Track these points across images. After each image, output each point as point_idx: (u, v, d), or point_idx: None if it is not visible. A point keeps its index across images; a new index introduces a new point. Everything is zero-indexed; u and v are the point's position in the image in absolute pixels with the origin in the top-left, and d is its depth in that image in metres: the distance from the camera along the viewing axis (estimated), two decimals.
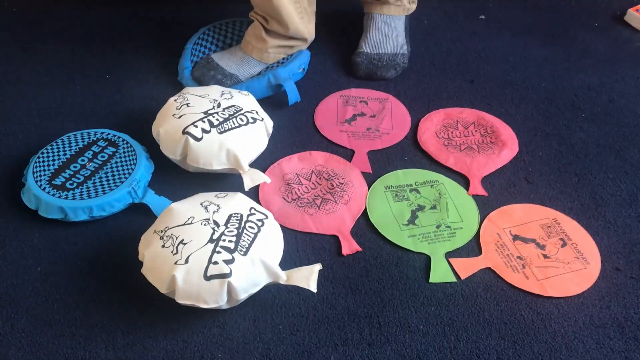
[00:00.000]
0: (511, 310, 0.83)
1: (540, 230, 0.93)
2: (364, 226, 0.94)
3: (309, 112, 1.15)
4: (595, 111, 1.16)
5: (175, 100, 0.99)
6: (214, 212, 0.81)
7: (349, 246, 0.91)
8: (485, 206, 0.97)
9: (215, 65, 1.14)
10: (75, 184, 0.93)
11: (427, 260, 0.89)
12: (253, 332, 0.80)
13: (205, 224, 0.79)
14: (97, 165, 0.96)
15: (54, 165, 0.96)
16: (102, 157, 0.98)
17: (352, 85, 1.21)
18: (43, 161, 0.97)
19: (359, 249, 0.91)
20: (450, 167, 1.03)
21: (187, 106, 0.97)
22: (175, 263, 0.75)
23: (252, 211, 0.83)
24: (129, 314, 0.82)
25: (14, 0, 1.45)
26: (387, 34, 1.24)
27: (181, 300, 0.75)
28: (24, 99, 1.17)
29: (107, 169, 0.96)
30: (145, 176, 0.96)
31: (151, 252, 0.78)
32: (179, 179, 1.00)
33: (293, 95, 1.13)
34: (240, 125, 0.96)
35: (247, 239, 0.78)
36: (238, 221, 0.80)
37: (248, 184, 0.93)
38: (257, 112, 1.00)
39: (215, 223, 0.79)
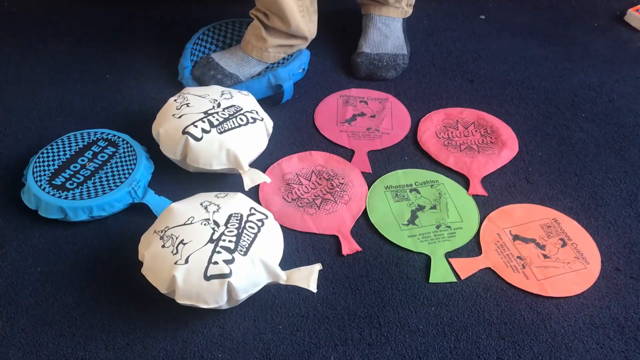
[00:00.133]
0: (511, 310, 0.83)
1: (540, 230, 0.93)
2: (364, 226, 0.94)
3: (309, 112, 1.15)
4: (595, 111, 1.16)
5: (175, 100, 0.99)
6: (214, 212, 0.81)
7: (349, 246, 0.91)
8: (485, 206, 0.97)
9: (215, 64, 1.14)
10: (75, 184, 0.93)
11: (427, 260, 0.89)
12: (253, 332, 0.80)
13: (205, 224, 0.79)
14: (97, 165, 0.96)
15: (54, 165, 0.96)
16: (102, 157, 0.98)
17: (352, 85, 1.21)
18: (43, 161, 0.97)
19: (359, 249, 0.91)
20: (450, 167, 1.03)
21: (187, 106, 0.97)
22: (175, 263, 0.75)
23: (252, 211, 0.83)
24: (129, 314, 0.82)
25: (14, 0, 1.45)
26: (387, 34, 1.24)
27: (181, 300, 0.75)
28: (24, 99, 1.17)
29: (107, 169, 0.96)
30: (145, 176, 0.96)
31: (151, 252, 0.78)
32: (179, 179, 1.00)
33: (288, 95, 1.13)
34: (240, 125, 0.96)
35: (247, 239, 0.78)
36: (238, 221, 0.80)
37: (248, 184, 0.93)
38: (257, 112, 1.00)
39: (215, 223, 0.79)
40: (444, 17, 1.42)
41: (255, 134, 0.97)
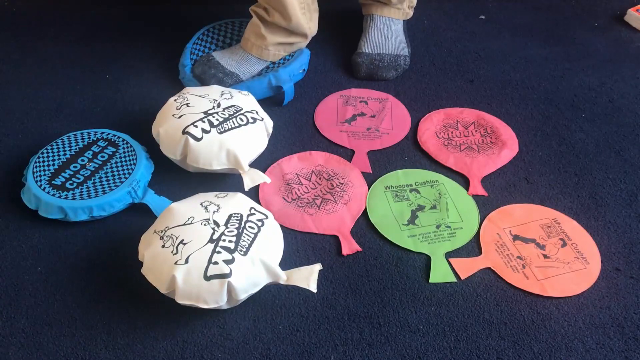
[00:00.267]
0: (511, 310, 0.83)
1: (540, 230, 0.93)
2: (364, 226, 0.94)
3: (309, 112, 1.15)
4: (595, 111, 1.16)
5: (175, 100, 0.99)
6: (214, 212, 0.81)
7: (349, 246, 0.91)
8: (485, 206, 0.97)
9: (216, 63, 1.14)
10: (75, 184, 0.93)
11: (427, 260, 0.89)
12: (253, 332, 0.80)
13: (205, 224, 0.79)
14: (97, 165, 0.96)
15: (54, 165, 0.96)
16: (102, 157, 0.98)
17: (352, 85, 1.21)
18: (43, 161, 0.97)
19: (359, 249, 0.91)
20: (450, 167, 1.03)
21: (187, 106, 0.97)
22: (175, 263, 0.75)
23: (252, 211, 0.83)
24: (129, 314, 0.82)
25: (14, 0, 1.45)
26: (388, 35, 1.24)
27: (181, 300, 0.75)
28: (24, 99, 1.17)
29: (107, 169, 0.96)
30: (145, 176, 0.96)
31: (151, 252, 0.78)
32: (179, 179, 1.00)
33: (290, 96, 1.13)
34: (240, 125, 0.96)
35: (247, 239, 0.78)
36: (238, 221, 0.80)
37: (248, 184, 0.93)
38: (257, 112, 1.00)
39: (215, 223, 0.79)
40: (444, 17, 1.42)
41: (255, 134, 0.97)
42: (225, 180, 1.01)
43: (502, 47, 1.32)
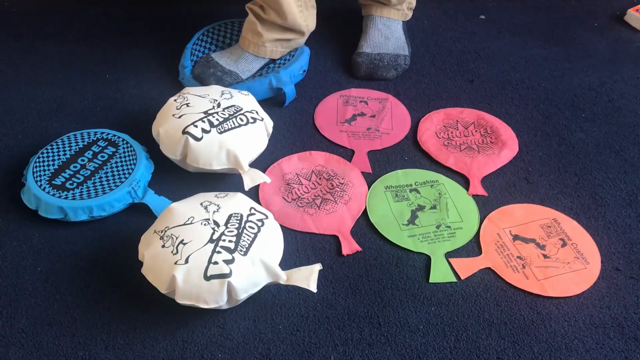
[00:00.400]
0: (511, 310, 0.83)
1: (540, 230, 0.93)
2: (364, 226, 0.94)
3: (309, 112, 1.15)
4: (595, 111, 1.16)
5: (175, 100, 0.99)
6: (214, 212, 0.81)
7: (349, 246, 0.91)
8: (485, 206, 0.97)
9: (215, 63, 1.14)
10: (75, 184, 0.93)
11: (427, 260, 0.89)
12: (253, 332, 0.80)
13: (205, 224, 0.79)
14: (97, 165, 0.96)
15: (54, 165, 0.96)
16: (102, 157, 0.98)
17: (352, 85, 1.21)
18: (43, 161, 0.97)
19: (359, 249, 0.91)
20: (450, 167, 1.03)
21: (187, 106, 0.97)
22: (175, 263, 0.75)
23: (252, 211, 0.83)
24: (129, 314, 0.82)
25: (14, 0, 1.45)
26: (387, 35, 1.24)
27: (181, 300, 0.75)
28: (24, 99, 1.17)
29: (107, 169, 0.96)
30: (145, 176, 0.96)
31: (151, 252, 0.78)
32: (179, 179, 1.00)
33: (291, 97, 1.13)
34: (240, 125, 0.96)
35: (247, 239, 0.78)
36: (238, 221, 0.80)
37: (248, 184, 0.93)
38: (257, 112, 1.00)
39: (215, 223, 0.79)
40: (444, 17, 1.42)
41: (255, 134, 0.97)
42: (225, 180, 1.01)
43: (502, 47, 1.32)
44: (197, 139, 0.92)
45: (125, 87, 1.20)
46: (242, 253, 0.77)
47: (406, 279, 0.87)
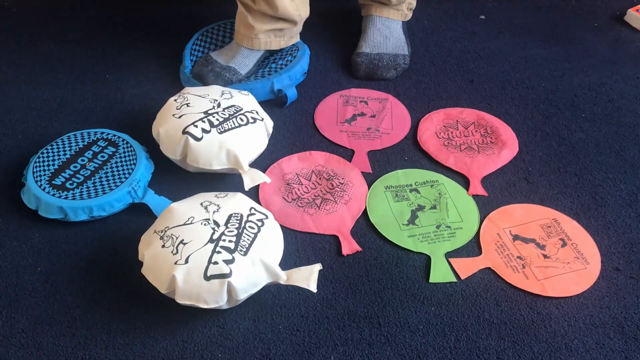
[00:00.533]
0: (511, 310, 0.83)
1: (540, 230, 0.93)
2: (364, 226, 0.94)
3: (309, 112, 1.15)
4: (595, 111, 1.16)
5: (175, 100, 0.99)
6: (214, 212, 0.81)
7: (349, 246, 0.91)
8: (485, 206, 0.97)
9: (213, 60, 1.15)
10: (75, 184, 0.93)
11: (427, 260, 0.89)
12: (253, 332, 0.80)
13: (205, 224, 0.79)
14: (97, 165, 0.96)
15: (54, 165, 0.96)
16: (102, 157, 0.98)
17: (352, 85, 1.21)
18: (43, 161, 0.97)
19: (359, 249, 0.91)
20: (450, 167, 1.03)
21: (187, 106, 0.97)
22: (175, 263, 0.75)
23: (252, 211, 0.83)
24: (129, 314, 0.82)
25: (14, 0, 1.45)
26: (387, 35, 1.24)
27: (181, 300, 0.75)
28: (24, 99, 1.17)
29: (107, 169, 0.96)
30: (145, 176, 0.96)
31: (151, 252, 0.78)
32: (179, 179, 1.00)
33: (292, 98, 1.14)
34: (240, 125, 0.96)
35: (247, 239, 0.78)
36: (238, 221, 0.80)
37: (248, 184, 0.93)
38: (257, 112, 1.00)
39: (215, 223, 0.79)
40: (444, 17, 1.42)
41: (255, 134, 0.97)
42: (225, 180, 1.01)
43: (502, 47, 1.32)
44: (197, 139, 0.92)
45: (125, 87, 1.20)
46: (242, 253, 0.77)
47: (406, 279, 0.87)
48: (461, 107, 1.16)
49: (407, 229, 0.93)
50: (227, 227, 0.79)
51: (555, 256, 0.89)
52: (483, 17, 1.42)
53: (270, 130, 1.02)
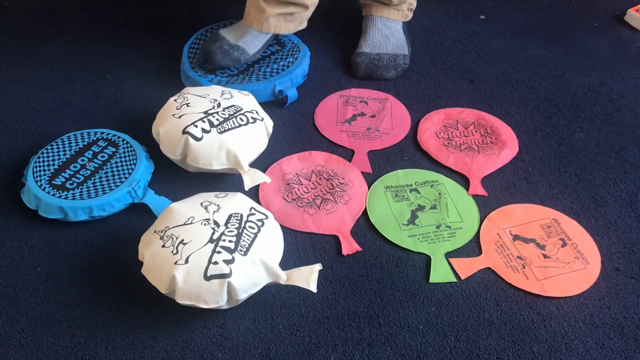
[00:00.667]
0: (511, 310, 0.83)
1: (540, 230, 0.93)
2: (364, 226, 0.94)
3: (309, 112, 1.15)
4: (595, 111, 1.16)
5: (175, 100, 0.99)
6: (214, 212, 0.81)
7: (349, 246, 0.91)
8: (485, 206, 0.97)
9: (222, 38, 1.14)
10: (75, 184, 0.93)
11: (427, 260, 0.89)
12: (253, 332, 0.80)
13: (205, 224, 0.79)
14: (97, 165, 0.96)
15: (54, 165, 0.96)
16: (102, 157, 0.98)
17: (352, 85, 1.21)
18: (43, 161, 0.97)
19: (359, 249, 0.91)
20: (450, 167, 1.03)
21: (187, 106, 0.97)
22: (175, 263, 0.75)
23: (252, 211, 0.83)
24: (129, 314, 0.82)
25: (14, 0, 1.45)
26: (388, 35, 1.24)
27: (181, 300, 0.75)
28: (24, 99, 1.17)
29: (107, 169, 0.96)
30: (145, 176, 0.96)
31: (151, 252, 0.78)
32: (179, 179, 1.00)
33: (293, 99, 1.14)
34: (240, 125, 0.96)
35: (247, 239, 0.78)
36: (238, 221, 0.80)
37: (248, 184, 0.93)
38: (257, 112, 1.00)
39: (215, 223, 0.79)
40: (444, 17, 1.42)
41: (255, 134, 0.97)
42: (225, 180, 1.01)
43: (502, 47, 1.32)
44: (197, 139, 0.92)
45: (125, 87, 1.20)
46: (242, 253, 0.77)
47: (406, 279, 0.87)
48: (461, 107, 1.16)
49: (407, 229, 0.93)
50: (227, 227, 0.79)
51: (555, 256, 0.89)
52: (483, 17, 1.42)
53: (270, 130, 1.02)
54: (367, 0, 1.26)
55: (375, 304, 0.84)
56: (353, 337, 0.80)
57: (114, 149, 0.99)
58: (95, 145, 1.00)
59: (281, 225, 0.90)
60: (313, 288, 0.79)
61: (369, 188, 1.00)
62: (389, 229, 0.93)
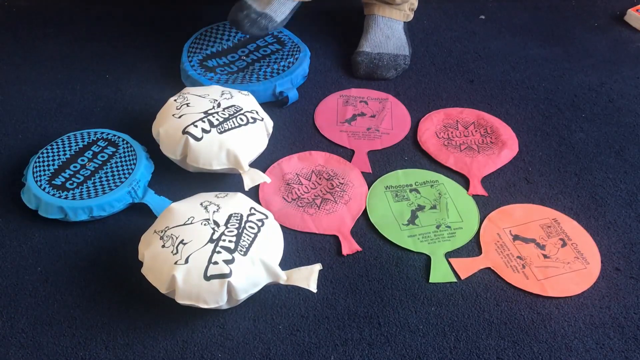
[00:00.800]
0: (511, 310, 0.83)
1: (540, 230, 0.93)
2: (364, 226, 0.94)
3: (309, 112, 1.15)
4: (595, 111, 1.16)
5: (175, 100, 0.99)
6: (214, 212, 0.81)
7: (349, 246, 0.91)
8: (485, 206, 0.97)
9: (248, 5, 1.12)
10: (75, 184, 0.93)
11: (427, 260, 0.89)
12: (253, 332, 0.80)
13: (205, 224, 0.79)
14: (97, 165, 0.96)
15: (54, 165, 0.96)
16: (102, 157, 0.98)
17: (352, 85, 1.21)
18: (43, 161, 0.97)
19: (359, 249, 0.91)
20: (450, 167, 1.03)
21: (187, 106, 0.97)
22: (175, 263, 0.75)
23: (252, 211, 0.83)
24: (129, 314, 0.82)
25: (14, 0, 1.45)
26: (388, 35, 1.24)
27: (181, 300, 0.75)
28: (24, 99, 1.17)
29: (107, 168, 0.96)
30: (145, 176, 0.96)
31: (151, 252, 0.78)
32: (179, 179, 1.00)
33: (294, 100, 1.14)
34: (240, 125, 0.96)
35: (247, 239, 0.78)
36: (238, 221, 0.80)
37: (248, 184, 0.93)
38: (257, 112, 1.00)
39: (215, 223, 0.79)
40: (444, 17, 1.42)
41: (255, 134, 0.97)
42: (225, 180, 1.01)
43: (502, 47, 1.32)
44: (197, 139, 0.92)
45: (125, 87, 1.20)
46: (242, 253, 0.77)
47: (406, 279, 0.87)
48: (461, 107, 1.16)
49: (407, 229, 0.93)
50: (227, 227, 0.79)
51: (555, 256, 0.89)
52: (483, 17, 1.42)
53: (270, 130, 1.02)
54: None
55: (375, 304, 0.84)
56: (353, 337, 0.80)
57: (114, 149, 0.99)
58: (95, 145, 1.00)
59: (281, 225, 0.90)
60: (313, 288, 0.79)
61: (369, 188, 1.00)
62: (389, 229, 0.93)
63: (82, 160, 0.97)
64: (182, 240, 0.77)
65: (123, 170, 0.96)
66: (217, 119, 0.95)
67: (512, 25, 1.39)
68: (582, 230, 0.93)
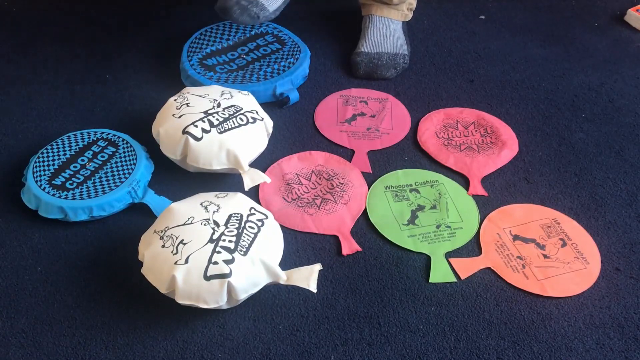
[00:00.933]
0: (511, 310, 0.83)
1: (540, 230, 0.93)
2: (364, 226, 0.94)
3: (309, 112, 1.15)
4: (595, 111, 1.16)
5: (175, 100, 0.99)
6: (214, 212, 0.81)
7: (349, 246, 0.91)
8: (485, 206, 0.97)
9: None
10: (75, 184, 0.93)
11: (427, 260, 0.89)
12: (253, 332, 0.80)
13: (205, 224, 0.79)
14: (97, 165, 0.96)
15: (54, 165, 0.96)
16: (102, 157, 0.98)
17: (352, 85, 1.21)
18: (43, 161, 0.97)
19: (359, 249, 0.91)
20: (450, 167, 1.03)
21: (187, 106, 0.97)
22: (175, 263, 0.75)
23: (252, 211, 0.83)
24: (129, 314, 0.82)
25: (14, 0, 1.45)
26: (387, 34, 1.24)
27: (181, 300, 0.75)
28: (24, 99, 1.17)
29: (107, 168, 0.96)
30: (145, 176, 0.96)
31: (151, 252, 0.78)
32: (179, 179, 1.00)
33: (294, 100, 1.14)
34: (240, 125, 0.96)
35: (247, 239, 0.78)
36: (238, 221, 0.80)
37: (248, 184, 0.93)
38: (257, 112, 1.00)
39: (215, 223, 0.79)
40: (444, 17, 1.42)
41: (255, 134, 0.97)
42: (225, 180, 1.01)
43: (502, 47, 1.32)
44: (197, 139, 0.92)
45: (125, 87, 1.20)
46: (242, 253, 0.77)
47: (406, 279, 0.87)
48: (461, 107, 1.16)
49: (407, 229, 0.93)
50: (227, 227, 0.79)
51: (555, 256, 0.89)
52: (483, 17, 1.42)
53: (270, 130, 1.02)
54: (366, 0, 1.26)
55: (375, 304, 0.84)
56: (353, 337, 0.80)
57: (114, 149, 0.99)
58: (95, 145, 1.00)
59: (281, 225, 0.90)
60: (313, 288, 0.79)
61: (369, 188, 1.00)
62: (389, 229, 0.93)
63: (82, 160, 0.97)
64: (182, 240, 0.77)
65: (123, 170, 0.96)
66: (217, 119, 0.95)
67: (512, 25, 1.39)
68: (582, 230, 0.93)
